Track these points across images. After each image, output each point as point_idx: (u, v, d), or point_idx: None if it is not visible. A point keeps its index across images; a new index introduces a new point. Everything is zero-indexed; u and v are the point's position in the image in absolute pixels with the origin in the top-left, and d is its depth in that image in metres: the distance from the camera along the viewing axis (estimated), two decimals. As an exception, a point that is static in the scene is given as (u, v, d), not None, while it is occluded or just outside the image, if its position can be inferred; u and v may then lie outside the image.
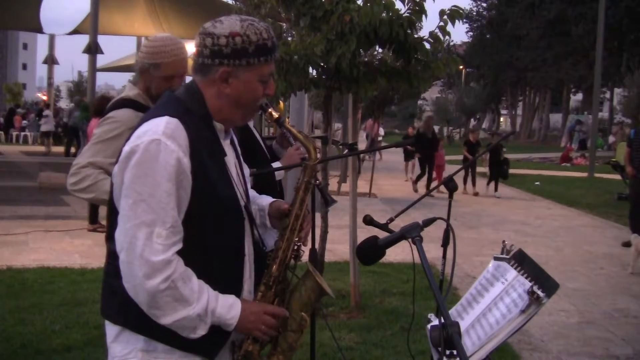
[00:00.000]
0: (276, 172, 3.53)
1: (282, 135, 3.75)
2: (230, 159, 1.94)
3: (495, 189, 15.22)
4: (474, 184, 15.40)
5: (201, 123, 1.82)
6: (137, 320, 1.77)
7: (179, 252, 1.74)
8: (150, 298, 1.69)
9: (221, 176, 1.85)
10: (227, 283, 1.83)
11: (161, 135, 1.71)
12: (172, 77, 2.83)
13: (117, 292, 1.77)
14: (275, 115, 1.95)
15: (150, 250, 1.68)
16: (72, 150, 18.77)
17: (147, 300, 1.70)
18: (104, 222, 8.60)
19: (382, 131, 27.78)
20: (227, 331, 1.85)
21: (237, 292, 1.87)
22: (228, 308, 1.79)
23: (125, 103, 2.93)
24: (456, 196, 13.40)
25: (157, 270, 1.68)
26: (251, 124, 3.52)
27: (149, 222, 1.69)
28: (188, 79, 2.19)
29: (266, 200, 2.12)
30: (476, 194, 14.99)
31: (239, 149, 2.06)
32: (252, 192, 2.11)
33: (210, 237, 1.82)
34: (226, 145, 1.93)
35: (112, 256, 1.79)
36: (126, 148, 1.76)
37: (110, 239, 1.81)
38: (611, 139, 30.23)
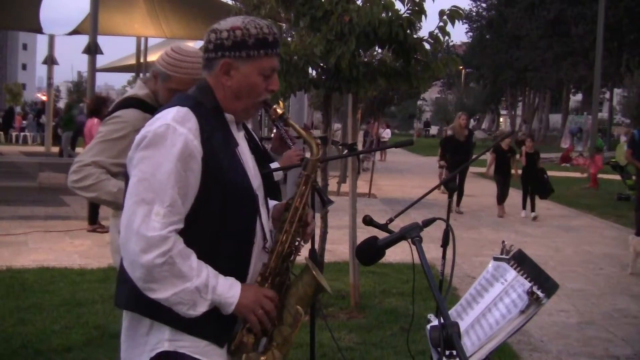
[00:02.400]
0: (274, 173, 3.53)
1: (280, 138, 3.73)
2: (244, 150, 1.97)
3: (532, 209, 11.73)
4: (500, 200, 12.07)
5: (212, 115, 1.88)
6: (146, 306, 1.80)
7: (189, 235, 1.78)
8: (147, 272, 1.72)
9: (233, 164, 1.88)
10: (232, 269, 1.86)
11: (171, 121, 1.79)
12: (176, 92, 2.76)
13: (129, 280, 1.80)
14: (280, 111, 1.98)
15: (146, 226, 1.72)
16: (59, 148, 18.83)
17: (143, 274, 1.73)
18: (103, 223, 8.63)
19: (389, 133, 27.68)
20: (233, 319, 1.86)
21: (242, 278, 1.89)
22: (228, 287, 1.82)
23: (133, 103, 2.89)
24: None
25: (153, 245, 1.71)
26: (249, 125, 3.51)
27: (149, 200, 1.74)
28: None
29: (271, 203, 2.14)
30: (501, 216, 11.88)
31: (254, 144, 2.08)
32: None
33: (221, 222, 1.85)
34: (239, 137, 1.97)
35: None
36: (138, 135, 1.84)
37: None
38: (622, 138, 30.26)
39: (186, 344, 1.82)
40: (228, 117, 1.93)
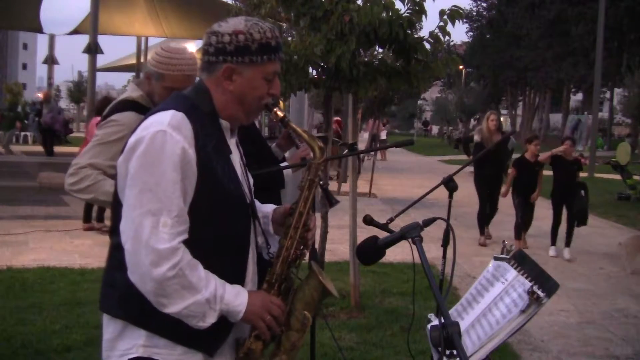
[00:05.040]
0: (285, 173, 3.57)
1: (287, 137, 3.75)
2: (236, 158, 1.95)
3: (567, 243, 8.34)
4: (519, 231, 8.77)
5: (207, 119, 1.84)
6: (138, 313, 1.78)
7: (184, 244, 1.75)
8: (158, 286, 1.69)
9: (227, 171, 1.86)
10: (229, 277, 1.84)
11: (167, 127, 1.74)
12: (173, 90, 2.79)
13: (118, 286, 1.78)
14: (281, 114, 1.96)
15: (156, 238, 1.68)
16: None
17: (154, 288, 1.70)
18: (108, 222, 8.60)
19: (384, 133, 27.67)
20: (228, 327, 1.85)
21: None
22: (235, 295, 1.81)
23: (128, 105, 2.92)
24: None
25: (164, 257, 1.68)
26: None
27: (155, 211, 1.70)
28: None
29: (270, 207, 2.13)
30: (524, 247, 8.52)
31: (241, 153, 2.06)
32: (255, 201, 2.11)
33: (215, 232, 1.83)
34: (232, 144, 1.94)
35: (116, 249, 1.79)
36: (132, 139, 1.78)
37: (114, 232, 1.82)
38: None
39: (161, 350, 1.79)
40: (223, 123, 1.89)
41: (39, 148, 21.20)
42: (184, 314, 1.73)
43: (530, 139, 8.98)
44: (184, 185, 1.74)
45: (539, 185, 8.66)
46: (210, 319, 1.76)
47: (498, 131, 9.14)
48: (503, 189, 9.05)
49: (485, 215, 9.40)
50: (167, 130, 1.73)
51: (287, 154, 3.93)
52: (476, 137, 9.41)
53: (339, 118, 16.33)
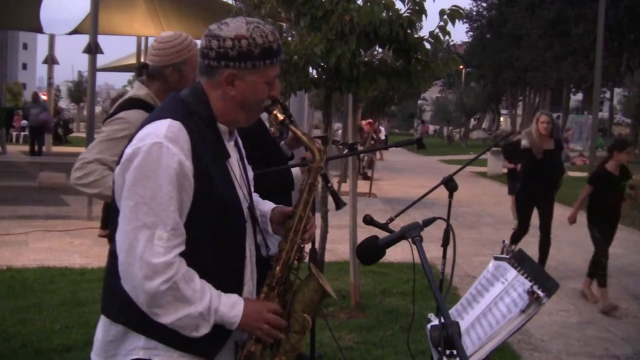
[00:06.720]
0: (295, 174, 3.58)
1: (296, 137, 3.76)
2: (234, 161, 1.94)
3: None
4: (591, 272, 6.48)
5: (205, 125, 1.83)
6: (137, 320, 1.78)
7: (181, 254, 1.75)
8: (151, 299, 1.70)
9: (224, 178, 1.85)
10: (227, 284, 1.84)
11: (163, 139, 1.72)
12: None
13: (119, 292, 1.78)
14: (281, 117, 1.94)
15: (150, 252, 1.68)
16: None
17: (147, 300, 1.71)
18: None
19: (383, 133, 27.66)
20: (226, 332, 1.85)
21: (237, 293, 1.88)
22: (230, 307, 1.80)
23: (134, 103, 2.94)
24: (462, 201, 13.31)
25: (158, 272, 1.68)
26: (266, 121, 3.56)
27: (150, 225, 1.69)
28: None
29: (268, 205, 2.12)
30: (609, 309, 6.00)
31: (243, 150, 2.06)
32: (255, 197, 2.10)
33: (212, 239, 1.82)
34: (230, 147, 1.93)
35: (114, 255, 1.79)
36: (128, 150, 1.76)
37: (113, 239, 1.82)
38: None
39: (160, 352, 1.80)
40: (221, 127, 1.87)
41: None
42: (177, 325, 1.74)
43: (622, 146, 6.45)
44: (180, 198, 1.73)
45: (625, 204, 6.62)
46: (204, 330, 1.76)
47: (550, 136, 7.12)
48: (571, 211, 6.69)
49: (522, 236, 7.34)
50: (163, 142, 1.71)
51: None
52: (524, 142, 7.25)
53: (371, 120, 16.42)
